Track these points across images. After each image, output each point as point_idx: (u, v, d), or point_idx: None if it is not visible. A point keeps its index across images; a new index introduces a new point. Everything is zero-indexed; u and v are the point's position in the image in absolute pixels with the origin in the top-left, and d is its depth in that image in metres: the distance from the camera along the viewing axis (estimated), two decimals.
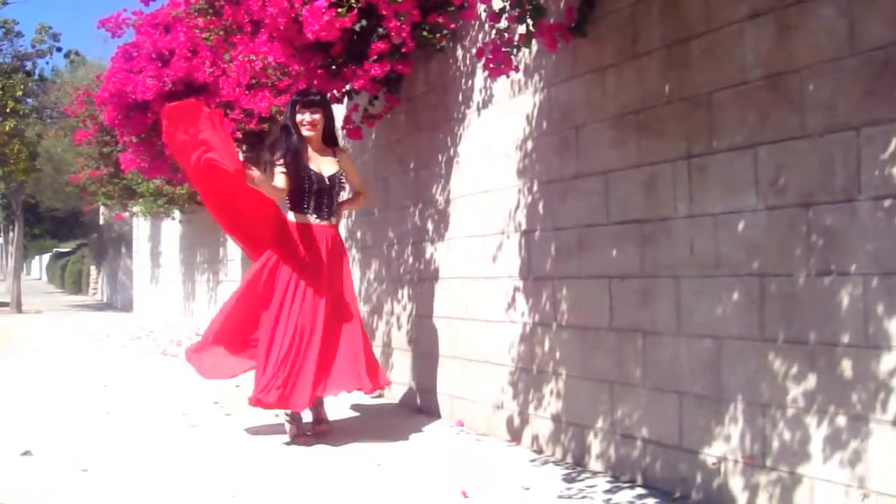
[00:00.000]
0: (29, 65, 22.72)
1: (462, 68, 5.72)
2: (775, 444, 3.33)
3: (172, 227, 16.58)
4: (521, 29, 4.16)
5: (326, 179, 5.60)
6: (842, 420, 3.07)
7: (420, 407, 6.24)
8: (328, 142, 5.77)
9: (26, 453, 5.07)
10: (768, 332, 3.37)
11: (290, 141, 5.59)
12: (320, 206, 5.62)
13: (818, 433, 3.16)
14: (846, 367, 3.06)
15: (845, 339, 3.06)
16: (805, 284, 3.22)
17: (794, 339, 3.27)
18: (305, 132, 5.59)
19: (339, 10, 4.81)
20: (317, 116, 5.61)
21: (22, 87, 20.75)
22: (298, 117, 5.59)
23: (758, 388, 3.41)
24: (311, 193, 5.58)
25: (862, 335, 3.00)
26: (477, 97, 5.52)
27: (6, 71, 21.04)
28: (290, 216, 5.61)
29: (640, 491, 3.98)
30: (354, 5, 4.80)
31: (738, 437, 3.51)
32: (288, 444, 5.36)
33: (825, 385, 3.14)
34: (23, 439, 5.39)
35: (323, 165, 5.63)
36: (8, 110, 19.77)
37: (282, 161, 5.55)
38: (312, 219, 5.60)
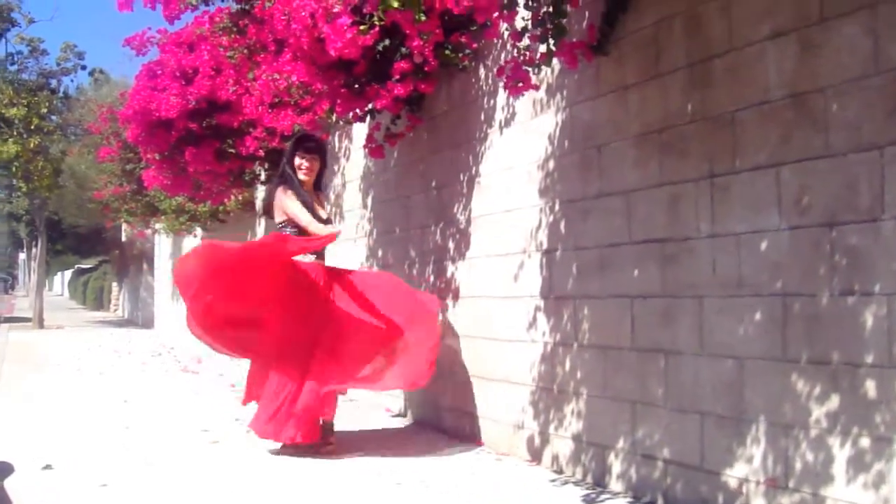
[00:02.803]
0: (54, 82, 22.87)
1: (484, 87, 5.74)
2: (798, 465, 3.31)
3: (194, 245, 16.66)
4: (543, 48, 4.16)
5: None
6: (865, 441, 3.05)
7: (440, 426, 6.23)
8: (317, 186, 6.03)
9: (47, 467, 5.09)
10: (791, 353, 3.36)
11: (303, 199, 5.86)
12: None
13: (841, 454, 3.14)
14: (870, 387, 3.04)
15: (869, 359, 3.04)
16: (828, 304, 3.21)
17: (817, 360, 3.25)
18: (302, 176, 5.84)
19: (362, 27, 4.83)
20: (315, 163, 5.91)
21: (47, 104, 20.93)
22: (297, 161, 5.84)
23: (780, 409, 3.39)
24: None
25: (886, 355, 2.98)
26: (499, 116, 5.53)
27: (32, 88, 21.19)
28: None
29: None
30: (377, 23, 4.81)
31: (761, 459, 3.49)
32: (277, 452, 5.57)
33: (848, 406, 3.12)
34: (44, 453, 5.40)
35: (321, 210, 5.95)
36: (33, 127, 19.95)
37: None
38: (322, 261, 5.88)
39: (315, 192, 5.99)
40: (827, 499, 3.19)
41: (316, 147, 6.00)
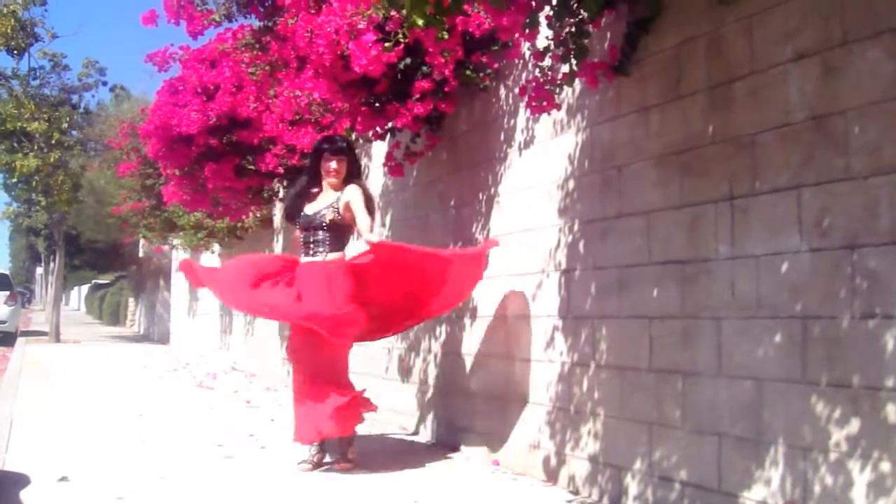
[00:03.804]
0: (75, 98, 23.03)
1: (504, 108, 5.75)
2: (817, 488, 3.29)
3: (211, 261, 16.69)
4: (565, 68, 4.18)
5: (311, 218, 5.73)
6: (886, 466, 3.03)
7: (456, 445, 6.21)
8: (347, 182, 5.80)
9: (63, 479, 5.11)
10: (810, 375, 3.34)
11: (296, 194, 5.96)
12: (307, 244, 5.73)
13: (861, 478, 3.12)
14: (890, 411, 3.02)
15: (890, 382, 3.03)
16: (849, 327, 3.20)
17: (837, 383, 3.23)
18: (330, 179, 5.74)
19: (386, 44, 4.87)
20: (342, 165, 5.76)
21: (68, 119, 21.08)
22: (324, 164, 5.75)
23: (799, 432, 3.38)
24: (302, 234, 5.79)
25: None
26: (519, 137, 5.54)
27: (53, 103, 21.34)
28: None
29: None
30: (402, 41, 4.85)
31: (779, 481, 3.47)
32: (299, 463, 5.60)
33: (869, 429, 3.10)
34: (60, 465, 5.42)
35: (320, 204, 5.74)
36: (53, 142, 20.08)
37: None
38: (302, 258, 5.75)
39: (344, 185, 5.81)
40: None
41: (344, 148, 5.82)
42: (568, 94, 4.92)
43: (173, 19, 7.17)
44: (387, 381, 7.39)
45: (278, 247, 11.84)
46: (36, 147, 20.09)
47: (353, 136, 7.30)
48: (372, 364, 7.56)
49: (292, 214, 5.92)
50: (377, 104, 5.82)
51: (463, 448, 6.10)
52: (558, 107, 4.63)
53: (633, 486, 4.35)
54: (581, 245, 4.83)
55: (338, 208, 5.63)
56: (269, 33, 7.80)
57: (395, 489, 5.03)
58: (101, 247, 35.83)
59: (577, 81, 4.48)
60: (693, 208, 3.99)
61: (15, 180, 20.84)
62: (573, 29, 4.02)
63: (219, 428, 7.18)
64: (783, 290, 3.49)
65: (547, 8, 3.89)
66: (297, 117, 7.81)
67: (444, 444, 6.36)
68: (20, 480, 5.04)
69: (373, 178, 7.94)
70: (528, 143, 5.43)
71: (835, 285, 3.26)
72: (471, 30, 5.01)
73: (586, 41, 4.07)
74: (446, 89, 5.54)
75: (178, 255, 20.33)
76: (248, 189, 9.62)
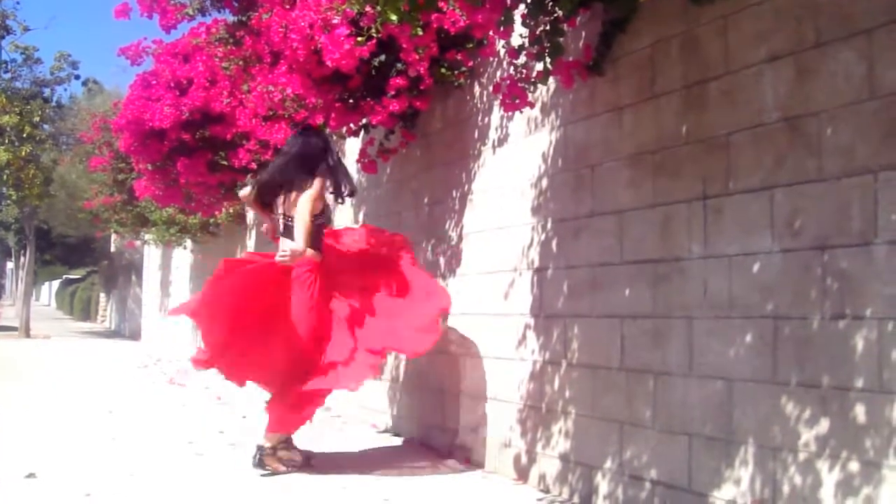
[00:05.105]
0: (47, 91, 22.94)
1: (479, 105, 5.75)
2: (786, 488, 3.30)
3: (183, 256, 16.61)
4: (539, 66, 4.17)
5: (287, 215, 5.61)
6: (854, 465, 3.05)
7: (426, 443, 6.20)
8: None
9: (31, 475, 5.06)
10: (781, 375, 3.35)
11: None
12: (287, 227, 5.59)
13: (830, 478, 3.13)
14: (859, 411, 3.03)
15: (859, 383, 3.04)
16: (819, 327, 3.21)
17: (807, 383, 3.24)
18: None
19: (359, 38, 4.84)
20: None
21: (39, 113, 20.93)
22: None
23: (769, 431, 3.39)
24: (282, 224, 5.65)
25: (876, 380, 2.98)
26: (493, 134, 5.54)
27: (25, 97, 21.25)
28: None
29: None
30: (374, 35, 4.83)
31: (749, 481, 3.48)
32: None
33: (838, 429, 3.11)
34: (28, 462, 5.37)
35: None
36: (25, 135, 19.93)
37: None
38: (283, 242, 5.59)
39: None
40: None
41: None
42: (542, 93, 4.91)
43: (146, 13, 7.12)
44: None
45: (251, 243, 11.80)
46: (7, 140, 19.95)
47: (327, 132, 7.27)
48: None
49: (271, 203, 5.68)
50: (351, 100, 5.79)
51: (433, 446, 6.09)
52: (532, 104, 4.62)
53: (603, 484, 4.35)
54: (554, 244, 4.83)
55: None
56: (243, 28, 7.75)
57: (364, 486, 5.01)
58: (73, 242, 35.68)
59: (551, 80, 4.47)
60: (666, 208, 3.99)
61: None
62: (548, 27, 4.00)
63: (189, 425, 7.14)
64: (755, 290, 3.49)
65: (522, 6, 3.88)
66: (271, 113, 7.75)
67: (415, 442, 6.35)
68: None
69: None
70: (502, 141, 5.43)
71: (806, 286, 3.27)
72: (446, 27, 4.99)
73: (561, 39, 4.05)
74: (421, 86, 5.52)
75: (150, 251, 20.24)
76: (221, 184, 9.56)
